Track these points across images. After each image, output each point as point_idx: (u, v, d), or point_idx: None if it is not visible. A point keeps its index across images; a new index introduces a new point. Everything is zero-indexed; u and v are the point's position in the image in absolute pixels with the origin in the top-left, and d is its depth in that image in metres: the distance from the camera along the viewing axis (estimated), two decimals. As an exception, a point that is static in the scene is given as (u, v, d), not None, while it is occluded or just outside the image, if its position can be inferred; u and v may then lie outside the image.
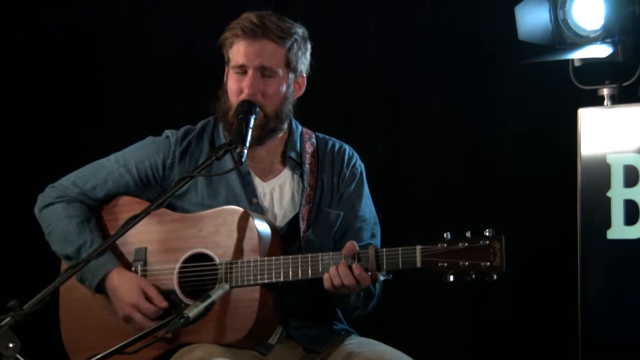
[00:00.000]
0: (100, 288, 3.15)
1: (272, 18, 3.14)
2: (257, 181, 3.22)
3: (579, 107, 3.64)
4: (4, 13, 4.69)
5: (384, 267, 2.91)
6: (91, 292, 3.16)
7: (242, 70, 3.12)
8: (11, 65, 4.74)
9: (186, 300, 3.07)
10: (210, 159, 2.97)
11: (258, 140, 3.14)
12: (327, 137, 3.34)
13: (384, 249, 2.92)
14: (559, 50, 3.63)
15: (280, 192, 3.21)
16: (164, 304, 3.08)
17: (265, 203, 3.20)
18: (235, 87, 3.13)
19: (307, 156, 3.24)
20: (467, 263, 2.82)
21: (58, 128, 4.68)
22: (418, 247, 2.87)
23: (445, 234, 2.85)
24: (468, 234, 2.84)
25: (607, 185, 3.54)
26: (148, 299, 3.09)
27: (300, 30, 3.18)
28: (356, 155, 3.32)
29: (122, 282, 3.11)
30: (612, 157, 3.55)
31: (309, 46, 3.22)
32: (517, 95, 4.27)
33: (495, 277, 2.81)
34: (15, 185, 4.58)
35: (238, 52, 3.12)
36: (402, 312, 4.43)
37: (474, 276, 2.83)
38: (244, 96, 3.10)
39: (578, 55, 3.61)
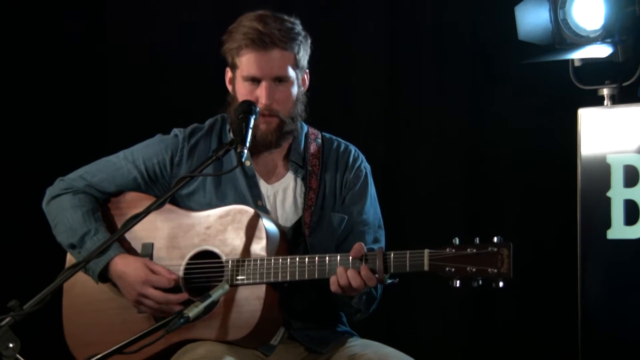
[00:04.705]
0: (103, 276, 3.15)
1: (275, 21, 3.13)
2: (262, 183, 3.22)
3: (579, 107, 3.64)
4: (4, 13, 4.70)
5: (392, 269, 2.90)
6: (95, 282, 3.15)
7: (255, 81, 3.13)
8: (11, 65, 4.74)
9: (191, 298, 3.07)
10: (210, 159, 2.97)
11: (276, 144, 3.16)
12: (334, 137, 3.34)
13: (392, 252, 2.91)
14: (559, 50, 3.63)
15: (283, 195, 3.21)
16: (172, 275, 3.08)
17: (269, 206, 3.20)
18: (249, 97, 3.12)
19: (310, 158, 3.24)
20: (474, 269, 2.81)
21: (59, 128, 4.68)
22: (426, 251, 2.87)
23: (453, 239, 2.85)
24: (477, 240, 2.83)
25: (607, 185, 3.54)
26: (154, 273, 3.09)
27: (300, 28, 3.18)
28: (362, 157, 3.31)
29: (127, 265, 3.11)
30: (612, 157, 3.55)
31: (309, 41, 3.22)
32: (517, 95, 4.27)
33: (501, 284, 2.80)
34: (15, 185, 4.59)
35: (249, 62, 3.12)
36: (406, 314, 4.43)
37: (480, 282, 2.82)
38: (261, 107, 3.09)
39: (578, 55, 3.60)
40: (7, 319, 2.54)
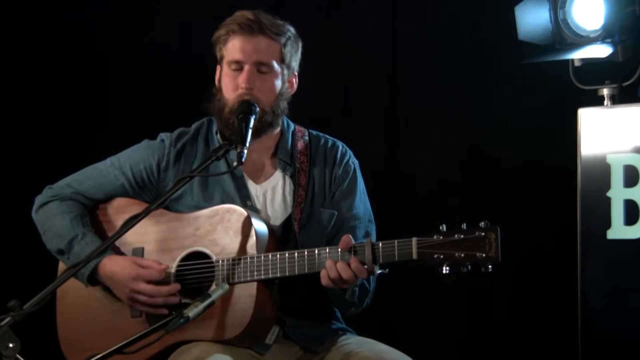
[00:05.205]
0: (93, 280, 3.15)
1: (266, 15, 3.17)
2: (251, 184, 3.22)
3: (579, 107, 3.64)
4: (4, 13, 4.70)
5: (380, 259, 2.91)
6: (85, 286, 3.16)
7: (239, 66, 3.14)
8: (11, 65, 4.74)
9: (184, 299, 3.07)
10: (210, 159, 2.97)
11: (254, 134, 3.12)
12: (321, 134, 3.34)
13: (380, 242, 2.92)
14: (559, 50, 3.63)
15: (272, 194, 3.22)
16: (162, 265, 3.09)
17: (259, 205, 3.20)
18: (232, 84, 3.15)
19: (298, 155, 3.24)
20: (462, 254, 2.82)
21: (58, 128, 4.69)
22: (414, 239, 2.88)
23: (441, 226, 2.86)
24: (464, 226, 2.84)
25: (607, 185, 3.54)
26: (143, 267, 3.10)
27: (292, 28, 3.21)
28: (349, 152, 3.32)
29: (115, 265, 3.12)
30: (612, 157, 3.55)
31: (300, 44, 3.24)
32: (517, 95, 4.27)
33: (490, 267, 2.81)
34: (15, 186, 4.59)
35: (234, 48, 3.15)
36: (401, 312, 4.43)
37: (469, 267, 2.83)
38: (240, 91, 3.11)
39: (578, 55, 3.60)
40: (7, 319, 2.54)
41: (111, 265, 3.12)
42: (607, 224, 3.53)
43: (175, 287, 3.07)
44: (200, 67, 3.39)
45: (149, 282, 3.08)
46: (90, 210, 3.28)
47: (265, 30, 3.13)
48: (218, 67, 3.23)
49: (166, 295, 3.06)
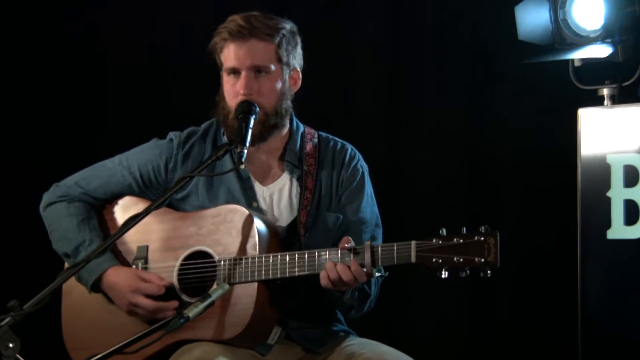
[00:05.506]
0: (96, 287, 3.16)
1: (259, 17, 3.14)
2: (257, 185, 3.22)
3: (579, 107, 3.64)
4: (4, 13, 4.70)
5: (379, 262, 2.90)
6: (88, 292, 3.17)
7: (236, 72, 3.13)
8: (11, 65, 4.74)
9: (185, 298, 3.08)
10: (210, 159, 2.98)
11: (260, 138, 3.12)
12: (331, 136, 3.33)
13: (379, 245, 2.92)
14: (559, 50, 3.63)
15: (279, 196, 3.21)
16: (162, 281, 3.09)
17: (265, 207, 3.20)
18: (231, 90, 3.14)
19: (306, 157, 3.23)
20: (461, 259, 2.81)
21: (58, 128, 4.69)
22: (413, 243, 2.87)
23: (440, 230, 2.85)
24: (463, 230, 2.83)
25: (607, 185, 3.54)
26: (145, 281, 3.10)
27: (287, 25, 3.18)
28: (358, 155, 3.31)
29: (117, 276, 3.13)
30: (612, 157, 3.55)
31: (298, 40, 3.22)
32: (517, 95, 4.27)
33: (489, 273, 2.80)
34: (15, 185, 4.59)
35: (229, 55, 3.13)
36: (403, 313, 4.43)
37: (468, 272, 2.81)
38: (240, 98, 3.10)
39: (578, 55, 3.60)
40: (7, 319, 2.55)
41: (114, 275, 3.13)
42: (607, 224, 3.53)
43: (174, 303, 3.07)
44: (200, 67, 3.39)
45: (148, 296, 3.08)
46: (97, 209, 3.28)
47: (257, 33, 3.11)
48: (222, 73, 3.22)
49: (164, 311, 3.07)
